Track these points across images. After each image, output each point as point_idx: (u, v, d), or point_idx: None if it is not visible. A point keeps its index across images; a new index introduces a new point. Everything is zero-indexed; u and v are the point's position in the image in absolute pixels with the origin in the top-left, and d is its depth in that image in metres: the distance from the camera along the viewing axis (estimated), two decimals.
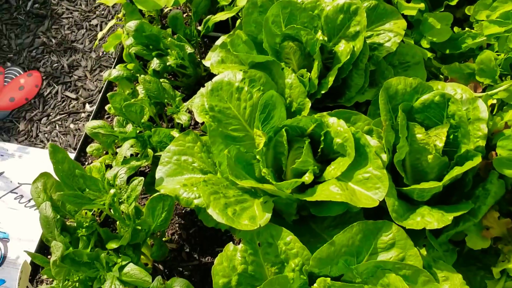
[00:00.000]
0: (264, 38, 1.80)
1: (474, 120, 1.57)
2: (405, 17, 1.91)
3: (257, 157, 1.60)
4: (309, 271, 1.43)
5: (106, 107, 2.23)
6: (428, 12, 2.04)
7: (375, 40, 1.86)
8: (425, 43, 1.98)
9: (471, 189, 1.58)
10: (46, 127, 2.54)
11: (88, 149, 2.18)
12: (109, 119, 2.44)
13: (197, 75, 2.38)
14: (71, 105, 2.59)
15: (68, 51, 2.78)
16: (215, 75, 1.74)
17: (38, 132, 2.53)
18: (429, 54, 1.94)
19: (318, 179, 1.59)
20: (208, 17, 2.31)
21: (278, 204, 1.63)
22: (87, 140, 2.38)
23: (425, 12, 2.02)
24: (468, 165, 1.47)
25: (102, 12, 2.90)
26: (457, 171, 1.48)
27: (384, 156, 1.54)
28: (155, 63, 2.21)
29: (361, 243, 1.41)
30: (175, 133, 1.93)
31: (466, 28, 2.03)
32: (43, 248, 2.13)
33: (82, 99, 2.60)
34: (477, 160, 1.48)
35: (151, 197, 1.66)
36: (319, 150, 1.62)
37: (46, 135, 2.51)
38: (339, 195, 1.44)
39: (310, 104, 1.68)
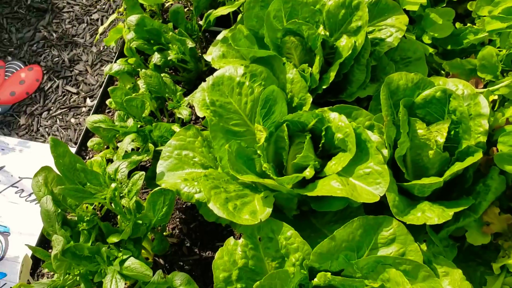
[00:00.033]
0: (266, 32, 1.80)
1: (475, 116, 1.57)
2: (407, 12, 1.91)
3: (258, 152, 1.60)
4: (309, 266, 1.43)
5: (107, 102, 2.22)
6: (430, 7, 2.04)
7: (376, 35, 1.86)
8: (426, 39, 1.98)
9: (471, 185, 1.59)
10: (47, 121, 2.54)
11: (89, 143, 2.18)
12: (110, 114, 2.44)
13: (198, 69, 2.38)
14: (72, 100, 2.59)
15: (69, 45, 2.78)
16: (216, 70, 1.73)
17: (39, 126, 2.53)
18: (431, 50, 1.94)
19: (319, 174, 1.59)
20: (209, 11, 2.30)
21: (279, 199, 1.64)
22: (88, 134, 2.38)
23: (427, 7, 2.02)
24: (469, 161, 1.47)
25: (103, 6, 2.89)
26: (458, 166, 1.49)
27: (385, 152, 1.55)
28: (156, 58, 2.21)
29: (362, 238, 1.41)
30: (176, 127, 1.93)
31: (468, 24, 2.02)
32: (44, 242, 2.13)
33: (83, 93, 2.60)
34: (478, 155, 1.48)
35: (152, 191, 1.66)
36: (320, 145, 1.62)
37: (47, 129, 2.51)
38: (340, 190, 1.44)
39: (311, 99, 1.68)
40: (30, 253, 1.99)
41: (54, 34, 2.82)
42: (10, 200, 2.29)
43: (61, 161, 1.67)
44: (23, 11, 2.92)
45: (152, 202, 1.67)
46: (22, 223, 2.21)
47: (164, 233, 1.97)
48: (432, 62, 1.98)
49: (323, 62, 1.80)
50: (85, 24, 2.85)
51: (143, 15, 2.22)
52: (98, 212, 2.08)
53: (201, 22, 2.39)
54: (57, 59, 2.73)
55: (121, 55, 2.52)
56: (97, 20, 2.85)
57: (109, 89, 2.03)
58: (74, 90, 2.62)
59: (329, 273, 1.38)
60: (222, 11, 2.20)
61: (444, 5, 2.04)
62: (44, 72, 2.69)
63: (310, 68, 1.76)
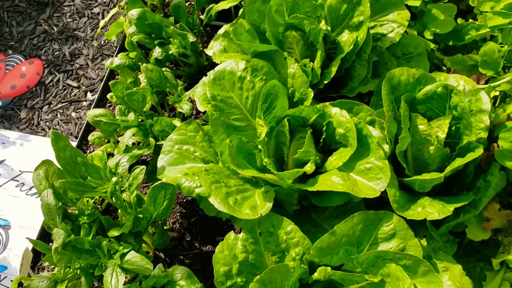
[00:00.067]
0: (267, 27, 1.79)
1: (476, 111, 1.57)
2: (408, 7, 1.91)
3: (259, 147, 1.60)
4: (309, 260, 1.44)
5: (108, 96, 2.22)
6: (432, 3, 2.03)
7: (378, 30, 1.86)
8: (428, 34, 1.98)
9: (472, 181, 1.59)
10: (48, 115, 2.53)
11: (90, 137, 2.18)
12: (111, 108, 2.44)
13: (199, 64, 2.37)
14: (72, 94, 2.59)
15: (70, 39, 2.77)
16: (217, 64, 1.73)
17: (39, 120, 2.52)
18: (432, 46, 1.94)
19: (319, 170, 1.59)
20: (211, 6, 2.29)
21: (279, 194, 1.64)
22: (89, 128, 2.38)
23: (429, 3, 2.01)
24: (470, 157, 1.47)
25: (104, 0, 2.89)
26: (458, 162, 1.49)
27: (386, 147, 1.55)
28: (157, 52, 2.21)
29: (362, 233, 1.41)
30: (177, 122, 1.93)
31: (470, 20, 2.02)
32: (45, 235, 2.14)
33: (84, 87, 2.59)
34: (479, 151, 1.48)
35: (153, 185, 1.67)
36: (321, 140, 1.62)
37: (47, 123, 2.51)
38: (340, 185, 1.44)
39: (312, 94, 1.67)
40: (30, 246, 2.00)
41: (55, 28, 2.82)
42: (10, 193, 2.29)
43: (62, 154, 1.67)
44: (24, 4, 2.92)
45: (153, 196, 1.67)
46: (23, 216, 2.21)
47: (165, 227, 1.97)
48: (433, 58, 1.98)
49: (324, 57, 1.80)
50: (86, 18, 2.84)
51: (144, 9, 2.22)
52: (98, 206, 2.09)
53: (202, 17, 2.38)
54: (58, 53, 2.73)
55: (122, 49, 2.51)
56: (98, 14, 2.85)
57: (110, 83, 2.03)
58: (75, 84, 2.61)
59: (329, 268, 1.39)
60: (224, 5, 2.20)
61: (446, 0, 2.04)
62: (45, 65, 2.69)
63: (312, 63, 1.75)
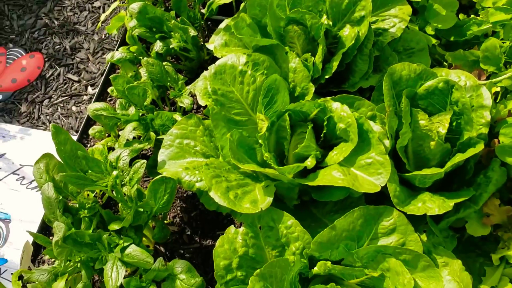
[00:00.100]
0: (269, 21, 1.79)
1: (477, 107, 1.57)
2: (410, 2, 1.90)
3: (260, 141, 1.60)
4: (309, 255, 1.44)
5: (109, 90, 2.22)
6: None
7: (380, 25, 1.85)
8: (429, 30, 1.97)
9: (472, 177, 1.59)
10: (48, 109, 2.53)
11: (91, 131, 2.18)
12: (112, 102, 2.44)
13: (200, 58, 2.37)
14: (73, 88, 2.58)
15: (71, 33, 2.76)
16: (218, 58, 1.73)
17: (40, 114, 2.52)
18: (434, 41, 1.93)
19: (320, 164, 1.59)
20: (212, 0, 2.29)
21: (280, 189, 1.64)
22: (89, 122, 2.38)
23: None
24: (470, 152, 1.47)
25: None
26: (459, 158, 1.49)
27: (387, 142, 1.55)
28: (158, 46, 2.20)
29: (362, 228, 1.42)
30: (177, 116, 1.93)
31: (472, 15, 2.02)
32: (45, 229, 2.14)
33: (84, 81, 2.59)
34: (480, 147, 1.48)
35: (154, 179, 1.67)
36: (321, 135, 1.62)
37: (48, 117, 2.51)
38: (341, 180, 1.44)
39: (313, 89, 1.67)
40: (31, 239, 2.00)
41: (55, 22, 2.81)
42: (11, 187, 2.29)
43: (62, 148, 1.67)
44: None
45: (154, 190, 1.67)
46: (23, 210, 2.22)
47: (165, 221, 1.97)
48: (435, 53, 1.98)
49: (326, 52, 1.80)
50: (87, 12, 2.83)
51: (145, 2, 2.21)
52: (99, 200, 2.09)
53: (203, 11, 2.37)
54: (58, 46, 2.72)
55: (123, 43, 2.51)
56: (99, 7, 2.84)
57: (111, 76, 2.02)
58: (75, 78, 2.61)
59: (329, 262, 1.39)
60: None
61: None
62: (46, 59, 2.69)
63: (313, 58, 1.75)
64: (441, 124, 1.54)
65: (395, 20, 1.84)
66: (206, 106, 1.73)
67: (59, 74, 2.63)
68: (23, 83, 2.62)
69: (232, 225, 1.52)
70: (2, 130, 2.46)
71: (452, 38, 2.00)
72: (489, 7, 1.82)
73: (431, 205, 1.44)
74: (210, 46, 2.04)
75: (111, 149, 2.09)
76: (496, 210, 1.53)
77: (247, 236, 1.48)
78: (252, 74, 1.66)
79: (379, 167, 1.47)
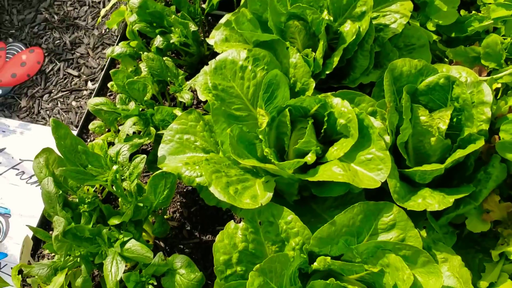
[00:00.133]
0: (269, 16, 1.78)
1: (478, 103, 1.56)
2: None
3: (260, 136, 1.60)
4: (309, 250, 1.44)
5: (109, 85, 2.22)
6: None
7: (381, 21, 1.84)
8: (431, 26, 1.96)
9: (472, 173, 1.59)
10: (48, 104, 2.53)
11: (91, 126, 2.18)
12: (112, 97, 2.43)
13: (200, 54, 2.36)
14: (73, 83, 2.58)
15: (71, 28, 2.76)
16: (218, 54, 1.72)
17: (40, 109, 2.52)
18: (435, 37, 1.93)
19: (320, 160, 1.59)
20: None
21: (280, 184, 1.64)
22: (89, 117, 2.38)
23: None
24: (471, 148, 1.47)
25: None
26: (459, 154, 1.49)
27: (387, 138, 1.55)
28: (158, 41, 2.20)
29: (362, 223, 1.42)
30: (177, 111, 1.92)
31: (473, 11, 2.01)
32: (45, 224, 2.14)
33: (84, 76, 2.59)
34: (480, 143, 1.48)
35: (154, 174, 1.67)
36: (322, 130, 1.61)
37: (48, 112, 2.51)
38: (341, 175, 1.44)
39: (314, 84, 1.67)
40: (31, 234, 2.00)
41: (55, 16, 2.80)
42: (10, 182, 2.29)
43: (62, 142, 1.67)
44: None
45: (154, 185, 1.67)
46: (23, 205, 2.22)
47: (165, 217, 1.97)
48: (435, 49, 1.97)
49: (326, 47, 1.79)
50: (87, 7, 2.82)
51: None
52: (99, 195, 2.09)
53: (204, 6, 2.37)
54: (58, 41, 2.72)
55: (123, 38, 2.50)
56: (99, 2, 2.83)
57: (111, 71, 2.02)
58: (75, 73, 2.61)
59: (329, 258, 1.39)
60: None
61: None
62: (46, 54, 2.68)
63: (314, 53, 1.75)
64: (441, 120, 1.54)
65: (396, 16, 1.83)
66: (206, 101, 1.72)
67: (59, 69, 2.63)
68: (23, 78, 2.61)
69: (232, 220, 1.53)
70: (2, 125, 2.46)
71: (453, 34, 2.00)
72: (490, 3, 1.82)
73: (431, 201, 1.44)
74: (210, 41, 2.03)
75: (111, 144, 2.09)
76: (496, 206, 1.53)
77: (247, 231, 1.48)
78: (252, 69, 1.65)
79: (379, 162, 1.47)
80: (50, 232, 2.01)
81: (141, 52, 2.20)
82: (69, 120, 2.46)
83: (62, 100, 2.53)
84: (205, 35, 2.48)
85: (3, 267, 2.08)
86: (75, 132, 2.34)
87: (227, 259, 1.46)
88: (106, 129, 2.19)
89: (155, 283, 1.63)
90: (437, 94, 1.59)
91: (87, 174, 1.62)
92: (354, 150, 1.51)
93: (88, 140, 2.34)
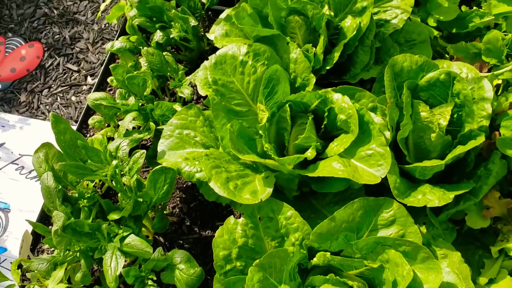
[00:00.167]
0: (270, 11, 1.77)
1: (478, 99, 1.56)
2: None
3: (260, 132, 1.60)
4: (309, 246, 1.44)
5: (108, 79, 2.21)
6: None
7: (381, 16, 1.84)
8: (431, 21, 1.96)
9: (473, 169, 1.59)
10: (48, 99, 2.52)
11: (90, 121, 2.18)
12: (111, 92, 2.43)
13: (200, 49, 2.36)
14: (72, 78, 2.57)
15: (70, 23, 2.75)
16: (218, 49, 1.71)
17: (39, 103, 2.51)
18: (436, 33, 1.92)
19: (320, 156, 1.59)
20: None
21: (280, 180, 1.64)
22: (89, 112, 2.37)
23: None
24: (471, 144, 1.47)
25: None
26: (460, 150, 1.48)
27: (388, 134, 1.54)
28: (158, 36, 2.19)
29: (362, 219, 1.42)
30: (177, 106, 1.92)
31: (474, 7, 2.00)
32: (44, 219, 2.14)
33: (84, 71, 2.58)
34: (480, 139, 1.48)
35: (153, 169, 1.66)
36: (322, 126, 1.61)
37: (47, 107, 2.50)
38: (341, 171, 1.44)
39: (314, 80, 1.66)
40: (30, 229, 2.00)
41: (55, 11, 2.79)
42: (10, 177, 2.29)
43: (62, 137, 1.66)
44: None
45: (153, 180, 1.67)
46: (22, 200, 2.21)
47: (165, 212, 1.97)
48: (436, 45, 1.97)
49: (327, 43, 1.79)
50: (87, 2, 2.81)
51: None
52: (98, 190, 2.09)
53: (204, 0, 2.35)
54: (58, 36, 2.71)
55: (123, 32, 2.49)
56: None
57: (111, 66, 2.01)
58: (75, 68, 2.60)
59: (329, 253, 1.39)
60: None
61: None
62: (45, 49, 2.67)
63: (314, 48, 1.74)
64: (442, 116, 1.54)
65: (397, 11, 1.82)
66: (206, 96, 1.72)
67: (58, 64, 2.62)
68: (22, 73, 2.61)
69: (232, 216, 1.53)
70: (1, 120, 2.45)
71: (454, 30, 1.99)
72: None
73: (431, 197, 1.44)
74: (210, 36, 2.02)
75: (110, 139, 2.09)
76: (496, 202, 1.53)
77: (246, 226, 1.48)
78: (252, 65, 1.65)
79: (380, 158, 1.47)
80: (50, 227, 2.01)
81: (141, 47, 2.19)
82: (68, 115, 2.45)
83: (61, 95, 2.53)
84: (205, 30, 2.47)
85: (2, 261, 2.08)
86: (74, 127, 2.33)
87: (227, 254, 1.46)
88: (106, 124, 2.19)
89: (155, 278, 1.63)
90: (438, 90, 1.59)
91: (86, 169, 1.62)
92: (354, 145, 1.51)
93: (88, 135, 2.34)
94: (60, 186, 1.66)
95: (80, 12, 2.78)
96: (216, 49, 1.77)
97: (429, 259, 1.32)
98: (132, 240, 1.59)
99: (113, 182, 1.68)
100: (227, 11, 2.03)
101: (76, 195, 1.71)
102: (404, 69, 1.60)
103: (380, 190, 1.56)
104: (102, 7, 2.48)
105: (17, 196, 2.23)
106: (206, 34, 2.11)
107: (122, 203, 1.73)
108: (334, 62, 1.74)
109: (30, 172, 2.29)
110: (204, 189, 1.72)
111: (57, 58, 2.64)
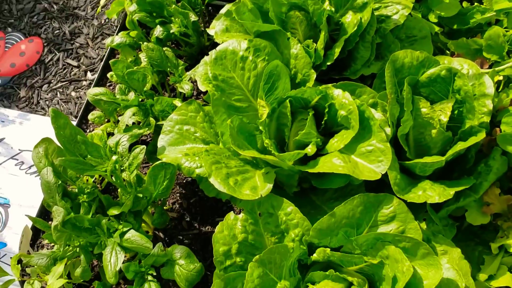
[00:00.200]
0: (270, 6, 1.77)
1: (479, 96, 1.56)
2: None
3: (260, 128, 1.59)
4: (309, 242, 1.44)
5: (108, 75, 2.21)
6: None
7: (382, 12, 1.83)
8: (432, 17, 1.95)
9: (473, 165, 1.58)
10: (47, 94, 2.52)
11: (90, 116, 2.17)
12: (111, 87, 2.42)
13: (200, 44, 2.35)
14: (72, 73, 2.57)
15: (70, 18, 2.74)
16: (218, 45, 1.71)
17: (39, 99, 2.51)
18: (437, 29, 1.91)
19: (320, 152, 1.58)
20: None
21: (280, 176, 1.63)
22: (89, 108, 2.37)
23: None
24: (472, 141, 1.47)
25: None
26: (460, 146, 1.48)
27: (388, 130, 1.54)
28: (158, 31, 2.18)
29: (362, 215, 1.41)
30: (177, 102, 1.92)
31: (475, 3, 2.00)
32: (44, 214, 2.14)
33: (84, 67, 2.57)
34: (481, 136, 1.47)
35: (153, 165, 1.66)
36: (322, 122, 1.61)
37: (47, 102, 2.50)
38: (341, 167, 1.44)
39: (315, 76, 1.66)
40: (30, 224, 2.00)
41: (54, 6, 2.78)
42: (10, 172, 2.29)
43: (61, 132, 1.66)
44: None
45: (153, 176, 1.67)
46: (22, 195, 2.21)
47: (165, 207, 1.97)
48: (437, 41, 1.96)
49: (328, 38, 1.78)
50: None
51: None
52: (98, 185, 2.08)
53: None
54: (57, 31, 2.70)
55: (122, 28, 2.49)
56: None
57: (111, 61, 2.01)
58: (74, 63, 2.59)
59: (328, 249, 1.39)
60: None
61: None
62: (45, 44, 2.67)
63: (315, 44, 1.73)
64: (443, 112, 1.54)
65: (398, 7, 1.82)
66: (206, 92, 1.71)
67: (58, 59, 2.61)
68: (22, 68, 2.60)
69: (232, 212, 1.52)
70: (1, 115, 2.45)
71: (455, 26, 1.99)
72: None
73: (431, 193, 1.44)
74: (211, 31, 2.02)
75: (110, 134, 2.08)
76: (496, 199, 1.53)
77: (246, 222, 1.48)
78: (253, 60, 1.64)
79: (380, 154, 1.46)
80: (50, 222, 2.01)
81: (141, 42, 2.19)
82: (68, 110, 2.45)
83: (61, 90, 2.52)
84: (205, 25, 2.46)
85: (2, 257, 2.08)
86: (74, 123, 2.33)
87: (227, 250, 1.46)
88: (106, 120, 2.19)
89: (155, 274, 1.63)
90: (439, 86, 1.58)
91: (86, 164, 1.62)
92: (354, 141, 1.51)
93: (88, 131, 2.34)
94: (60, 181, 1.66)
95: (80, 7, 2.77)
96: (216, 44, 1.77)
97: (429, 255, 1.32)
98: (132, 235, 1.59)
99: (113, 178, 1.68)
100: (227, 6, 2.02)
101: (76, 190, 1.71)
102: (405, 65, 1.60)
103: (381, 186, 1.56)
104: (102, 2, 2.47)
105: (17, 191, 2.23)
106: (206, 29, 2.10)
107: (122, 198, 1.73)
108: (335, 58, 1.73)
109: (30, 167, 2.29)
110: (204, 185, 1.72)
111: (57, 53, 2.63)
